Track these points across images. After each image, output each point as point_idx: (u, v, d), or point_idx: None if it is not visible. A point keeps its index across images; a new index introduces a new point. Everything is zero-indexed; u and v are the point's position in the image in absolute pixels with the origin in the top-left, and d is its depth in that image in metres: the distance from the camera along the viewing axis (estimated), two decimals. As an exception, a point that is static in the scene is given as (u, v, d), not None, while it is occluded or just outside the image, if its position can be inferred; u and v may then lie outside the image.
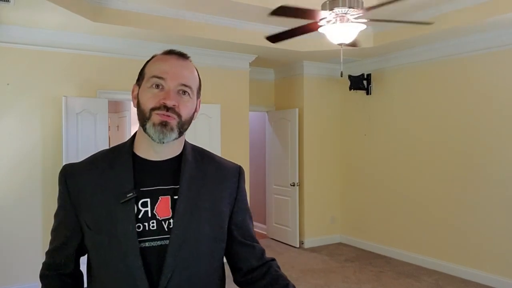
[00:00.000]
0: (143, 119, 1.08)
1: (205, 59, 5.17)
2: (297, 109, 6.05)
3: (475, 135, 4.61)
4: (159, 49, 1.23)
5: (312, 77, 6.08)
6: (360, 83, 5.81)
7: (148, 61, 1.14)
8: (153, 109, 1.06)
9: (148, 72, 1.11)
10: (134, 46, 4.66)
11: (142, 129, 1.09)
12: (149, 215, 1.06)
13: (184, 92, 1.09)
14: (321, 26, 3.24)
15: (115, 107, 7.87)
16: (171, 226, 1.06)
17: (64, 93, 4.36)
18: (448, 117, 4.87)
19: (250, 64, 5.65)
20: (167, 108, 1.05)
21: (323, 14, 3.11)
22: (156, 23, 4.28)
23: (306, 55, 5.43)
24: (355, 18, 3.18)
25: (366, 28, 3.40)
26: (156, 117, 1.05)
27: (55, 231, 1.14)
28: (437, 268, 4.96)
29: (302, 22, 3.26)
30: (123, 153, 1.13)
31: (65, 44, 4.39)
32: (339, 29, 3.18)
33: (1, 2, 3.37)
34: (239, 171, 1.24)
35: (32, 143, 4.28)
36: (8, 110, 4.18)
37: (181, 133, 1.09)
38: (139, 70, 1.12)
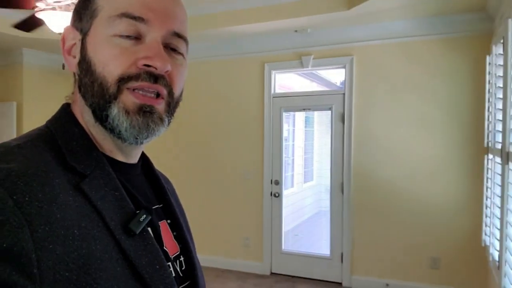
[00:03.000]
0: (102, 99, 0.59)
1: None
2: (14, 103, 5.21)
3: (193, 133, 5.01)
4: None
5: (34, 67, 5.30)
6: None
7: None
8: (124, 79, 0.58)
9: (110, 4, 0.59)
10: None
11: (93, 114, 0.61)
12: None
13: (174, 49, 0.63)
14: (38, 8, 2.85)
15: None
16: (183, 268, 0.69)
17: None
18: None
19: None
20: (155, 78, 0.59)
21: None
22: None
23: (26, 41, 4.71)
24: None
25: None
26: (130, 98, 0.58)
27: None
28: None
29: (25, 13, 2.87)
30: (83, 148, 0.60)
31: None
32: (59, 17, 2.85)
33: None
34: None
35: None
36: None
37: (169, 122, 0.64)
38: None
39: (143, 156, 0.74)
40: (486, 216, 3.31)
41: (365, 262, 4.24)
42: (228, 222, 4.90)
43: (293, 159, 5.73)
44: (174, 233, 0.71)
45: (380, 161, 4.16)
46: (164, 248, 0.66)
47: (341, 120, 4.34)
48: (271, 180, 4.68)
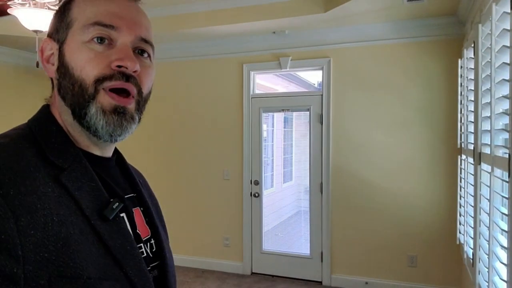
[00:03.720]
0: (82, 98, 0.67)
1: None
2: None
3: (172, 133, 5.04)
4: None
5: (6, 65, 5.19)
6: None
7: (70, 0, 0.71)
8: (100, 80, 0.66)
9: (82, 16, 0.68)
10: None
11: (72, 113, 0.69)
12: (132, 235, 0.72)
13: (143, 51, 0.72)
14: (11, 7, 2.85)
15: None
16: (153, 250, 0.78)
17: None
18: (149, 115, 4.97)
19: None
20: (127, 77, 0.67)
21: None
22: None
23: None
24: (54, 5, 2.91)
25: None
26: (106, 99, 0.67)
27: None
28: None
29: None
30: (61, 144, 0.68)
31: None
32: (32, 14, 2.87)
33: None
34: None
35: None
36: None
37: (140, 119, 0.73)
38: None
39: (117, 151, 0.83)
40: (460, 215, 3.41)
41: (345, 261, 4.31)
42: (208, 222, 4.90)
43: (272, 159, 5.76)
44: (146, 219, 0.80)
45: (358, 161, 4.23)
46: (137, 231, 0.75)
47: (319, 121, 4.39)
48: (251, 180, 4.70)
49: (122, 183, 0.79)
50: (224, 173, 4.81)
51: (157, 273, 0.77)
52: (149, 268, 0.74)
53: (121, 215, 0.71)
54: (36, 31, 3.00)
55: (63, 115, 0.71)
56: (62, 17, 0.71)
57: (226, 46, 4.70)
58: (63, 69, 0.69)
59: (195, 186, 4.96)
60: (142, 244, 0.75)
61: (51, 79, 0.74)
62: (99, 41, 0.67)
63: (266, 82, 5.42)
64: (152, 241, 0.79)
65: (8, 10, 2.88)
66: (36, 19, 2.88)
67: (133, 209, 0.77)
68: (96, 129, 0.67)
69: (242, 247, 4.75)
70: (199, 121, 4.93)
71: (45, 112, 0.73)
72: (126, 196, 0.76)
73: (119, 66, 0.67)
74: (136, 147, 5.19)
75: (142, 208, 0.80)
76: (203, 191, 4.93)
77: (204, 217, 4.92)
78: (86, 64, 0.66)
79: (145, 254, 0.74)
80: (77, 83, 0.67)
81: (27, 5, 2.83)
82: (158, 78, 4.96)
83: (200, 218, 4.94)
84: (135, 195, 0.80)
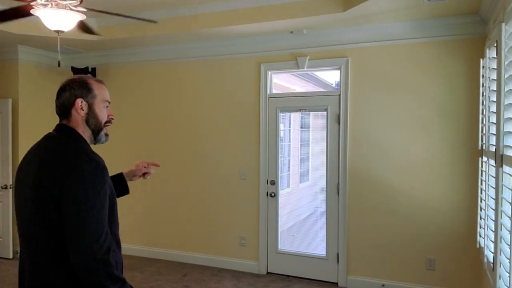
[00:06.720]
0: (99, 127, 1.59)
1: None
2: (10, 100, 5.21)
3: (191, 132, 5.13)
4: None
5: (29, 64, 5.35)
6: (84, 76, 5.46)
7: (89, 83, 1.57)
8: (105, 123, 1.62)
9: (100, 95, 1.58)
10: None
11: (92, 133, 1.59)
12: None
13: None
14: (34, 8, 2.91)
15: None
16: None
17: None
18: (168, 114, 5.25)
19: None
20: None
21: None
22: None
23: (21, 38, 4.73)
24: (74, 6, 2.94)
25: (89, 20, 3.18)
26: (105, 129, 1.63)
27: (102, 216, 1.40)
28: (158, 256, 5.32)
29: (13, 4, 2.90)
30: (89, 147, 1.57)
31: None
32: (54, 15, 2.92)
33: None
34: None
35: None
36: None
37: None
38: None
39: None
40: (480, 218, 3.34)
41: (361, 262, 4.27)
42: (224, 221, 4.93)
43: (289, 160, 5.74)
44: None
45: (376, 162, 4.19)
46: None
47: (336, 121, 4.36)
48: (267, 180, 4.70)
49: None
50: (241, 173, 4.82)
51: None
52: None
53: None
54: (57, 31, 3.08)
55: (86, 133, 1.58)
56: (88, 91, 1.55)
57: (244, 46, 4.71)
58: (92, 114, 1.57)
59: (211, 186, 5.00)
60: None
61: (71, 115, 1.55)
62: (106, 106, 1.62)
63: (283, 82, 5.40)
64: None
65: (31, 11, 2.95)
66: (58, 19, 2.95)
67: None
68: (100, 140, 1.63)
69: (258, 247, 4.76)
70: (216, 120, 4.96)
71: (77, 133, 1.55)
72: None
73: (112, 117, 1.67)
74: (153, 146, 5.26)
75: None
76: (219, 191, 4.95)
77: (221, 217, 4.95)
78: (104, 116, 1.61)
79: None
80: (98, 121, 1.59)
81: (49, 6, 2.89)
82: (176, 77, 4.99)
83: (217, 217, 4.97)
84: None
